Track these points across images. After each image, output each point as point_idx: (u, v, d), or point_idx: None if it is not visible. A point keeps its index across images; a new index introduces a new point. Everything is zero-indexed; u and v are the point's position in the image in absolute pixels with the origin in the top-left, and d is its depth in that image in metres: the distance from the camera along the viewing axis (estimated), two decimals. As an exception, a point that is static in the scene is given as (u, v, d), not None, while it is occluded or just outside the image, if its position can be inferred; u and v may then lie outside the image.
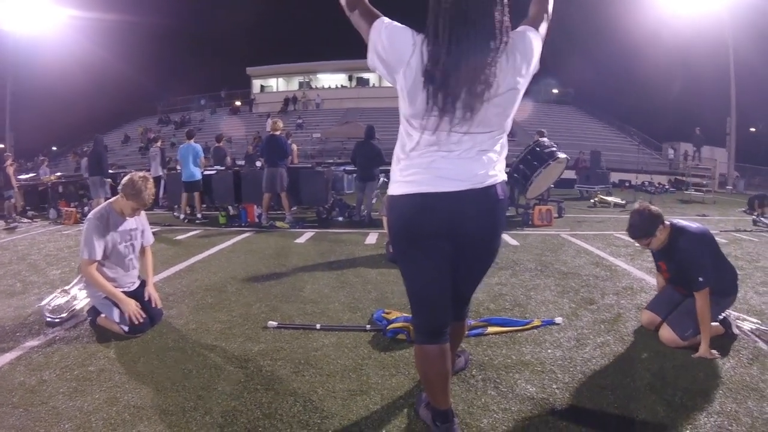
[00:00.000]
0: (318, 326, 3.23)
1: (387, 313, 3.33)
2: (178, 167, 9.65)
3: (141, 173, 3.40)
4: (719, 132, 28.31)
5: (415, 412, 2.18)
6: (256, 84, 41.78)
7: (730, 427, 2.16)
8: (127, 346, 3.00)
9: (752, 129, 40.69)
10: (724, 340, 3.15)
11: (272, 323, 3.28)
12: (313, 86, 40.64)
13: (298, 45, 54.02)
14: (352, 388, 2.44)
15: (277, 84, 42.20)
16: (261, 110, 36.26)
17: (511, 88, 1.61)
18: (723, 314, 3.27)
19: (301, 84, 41.25)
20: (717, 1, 25.25)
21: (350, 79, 40.15)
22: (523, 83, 1.65)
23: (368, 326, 3.23)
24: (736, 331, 3.27)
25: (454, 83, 1.53)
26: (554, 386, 2.50)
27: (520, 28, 1.70)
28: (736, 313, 3.46)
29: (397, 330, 3.03)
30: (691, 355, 2.90)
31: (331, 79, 41.16)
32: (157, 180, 10.72)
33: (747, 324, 3.40)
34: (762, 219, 10.35)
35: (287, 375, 2.59)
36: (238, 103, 39.68)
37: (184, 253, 5.81)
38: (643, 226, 3.06)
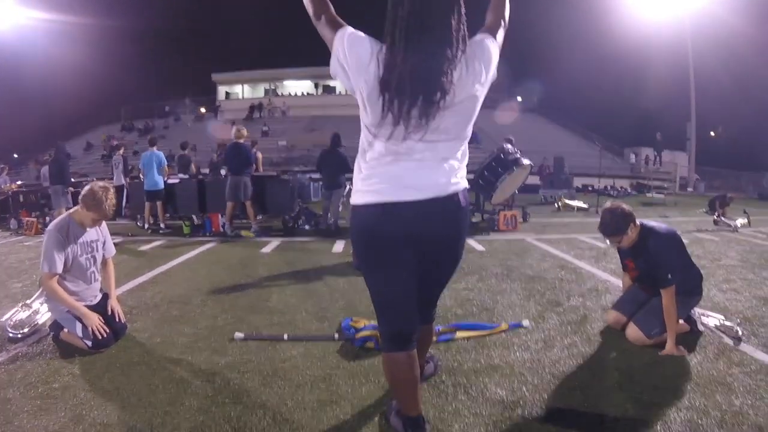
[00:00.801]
0: (285, 337, 3.18)
1: (355, 322, 3.30)
2: (142, 176, 9.41)
3: (101, 183, 3.29)
4: (680, 137, 29.45)
5: (386, 421, 2.16)
6: (222, 91, 41.14)
7: (699, 421, 2.22)
8: (91, 362, 2.90)
9: (712, 133, 42.48)
10: (690, 337, 3.26)
11: (239, 335, 3.22)
12: (279, 93, 40.29)
13: (264, 52, 53.39)
14: (321, 399, 2.41)
15: (243, 91, 41.61)
16: (226, 117, 35.60)
17: (469, 95, 1.63)
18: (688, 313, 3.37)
19: (266, 91, 40.78)
20: (678, 9, 26.27)
21: (316, 86, 39.88)
22: (482, 91, 1.67)
23: (336, 335, 3.20)
24: (701, 327, 3.37)
25: (409, 90, 1.53)
26: (524, 389, 2.52)
27: (477, 36, 1.72)
28: (700, 310, 3.57)
29: (365, 338, 3.02)
30: (658, 353, 2.97)
31: (297, 87, 40.82)
32: (119, 189, 10.45)
33: (711, 320, 3.51)
34: (723, 219, 10.77)
35: (256, 387, 2.54)
36: (203, 110, 38.99)
37: (147, 264, 5.67)
38: (615, 224, 3.12)
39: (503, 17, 1.85)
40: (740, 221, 10.91)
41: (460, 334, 3.20)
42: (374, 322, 3.13)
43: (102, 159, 27.73)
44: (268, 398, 2.42)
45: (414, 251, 1.74)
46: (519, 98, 39.75)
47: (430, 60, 1.54)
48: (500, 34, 1.79)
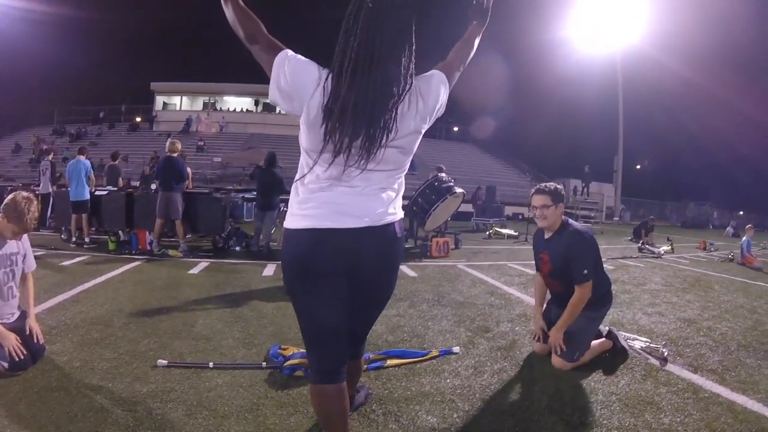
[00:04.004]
0: (211, 364, 3.03)
1: (283, 349, 3.21)
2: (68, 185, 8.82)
3: (25, 193, 3.05)
4: (607, 169, 31.48)
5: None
6: (159, 100, 39.74)
7: None
8: (6, 386, 2.65)
9: (638, 166, 45.90)
10: (618, 360, 3.41)
11: (162, 362, 3.03)
12: (218, 108, 39.46)
13: (206, 64, 52.40)
14: (248, 431, 2.30)
15: (181, 102, 40.36)
16: (162, 128, 34.46)
17: (412, 131, 1.63)
18: (607, 327, 3.52)
19: (205, 104, 39.80)
20: (609, 47, 28.16)
21: (256, 103, 39.33)
22: (425, 126, 1.68)
23: (264, 363, 3.08)
24: (624, 343, 3.52)
25: (351, 123, 1.50)
26: (455, 415, 2.52)
27: (429, 72, 1.72)
28: (626, 333, 3.74)
29: (294, 367, 2.92)
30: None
31: (236, 102, 40.13)
32: (45, 197, 9.83)
33: (638, 343, 3.71)
34: (647, 246, 11.51)
35: (179, 418, 2.39)
36: (138, 119, 37.50)
37: (69, 281, 5.31)
38: (555, 189, 3.29)
39: (465, 61, 1.87)
40: (664, 248, 11.75)
41: (390, 361, 3.17)
42: (303, 350, 3.05)
43: (30, 163, 26.07)
44: (192, 430, 2.29)
45: (346, 282, 1.69)
46: (456, 128, 41.08)
47: (377, 95, 1.51)
48: (455, 75, 1.81)
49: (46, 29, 35.31)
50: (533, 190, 3.39)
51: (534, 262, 3.67)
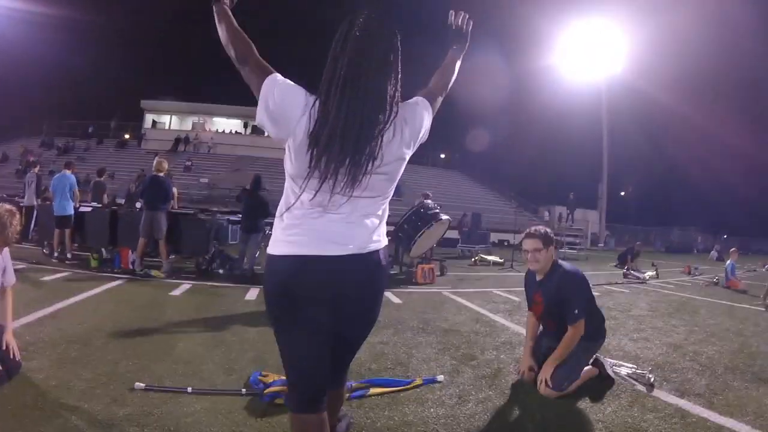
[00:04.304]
0: (189, 389, 2.95)
1: (264, 376, 3.14)
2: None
3: (8, 206, 3.01)
4: (591, 196, 31.96)
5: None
6: (149, 118, 39.70)
7: None
8: None
9: (622, 193, 46.85)
10: (604, 386, 3.40)
11: (140, 385, 2.96)
12: (207, 128, 39.47)
13: (196, 84, 52.53)
14: (225, 459, 2.22)
15: (170, 121, 40.36)
16: (150, 147, 34.30)
17: (397, 158, 1.63)
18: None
19: (194, 124, 39.79)
20: (594, 76, 28.81)
21: (246, 125, 39.39)
22: (409, 153, 1.68)
23: (244, 390, 3.01)
24: (609, 371, 3.53)
25: (338, 149, 1.50)
26: (438, 446, 2.46)
27: (412, 99, 1.74)
28: (612, 360, 3.73)
29: (274, 394, 2.86)
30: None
31: (226, 124, 40.23)
32: (29, 210, 9.75)
33: (624, 369, 3.71)
34: (632, 272, 11.61)
35: (155, 444, 2.32)
36: (127, 136, 37.42)
37: (49, 296, 5.22)
38: (545, 233, 3.39)
39: (446, 86, 1.89)
40: (649, 273, 11.87)
41: (373, 390, 3.11)
42: (284, 377, 2.99)
43: (16, 174, 25.69)
44: (166, 457, 2.21)
45: (329, 310, 1.65)
46: (443, 155, 41.56)
47: (363, 122, 1.51)
48: (438, 100, 1.83)
49: (41, 39, 35.54)
50: (524, 234, 3.51)
51: (526, 301, 3.77)
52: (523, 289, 3.83)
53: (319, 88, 1.54)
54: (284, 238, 1.63)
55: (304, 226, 1.61)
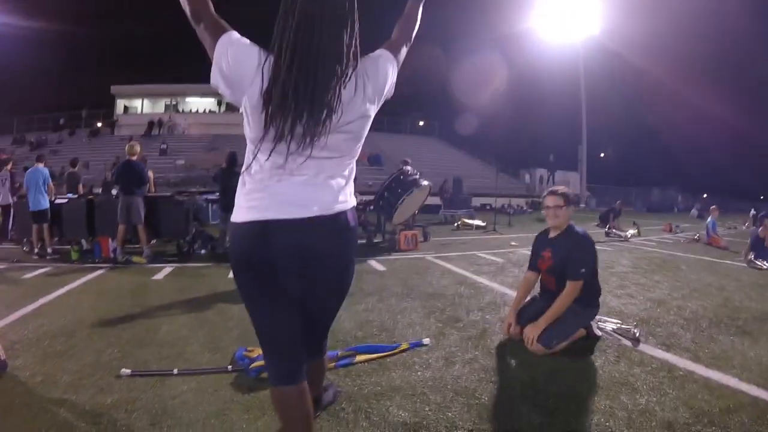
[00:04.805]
0: (175, 371, 2.93)
1: (249, 351, 3.12)
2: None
3: None
4: (572, 158, 32.25)
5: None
6: (120, 104, 38.77)
7: (607, 423, 2.31)
8: None
9: (602, 154, 47.47)
10: (589, 342, 3.45)
11: (125, 371, 2.93)
12: (181, 110, 38.72)
13: (166, 66, 51.02)
14: (214, 437, 2.22)
15: (142, 105, 39.44)
16: (124, 133, 33.59)
17: (360, 115, 1.57)
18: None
19: (167, 107, 38.97)
20: (570, 39, 28.72)
21: (219, 104, 38.52)
22: (374, 109, 1.62)
23: (230, 367, 3.00)
24: (597, 332, 3.58)
25: (292, 105, 1.43)
26: (426, 408, 2.49)
27: (375, 52, 1.67)
28: (597, 316, 3.80)
29: (260, 368, 2.84)
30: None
31: (199, 104, 39.37)
32: (6, 209, 9.54)
33: (609, 325, 3.78)
34: (613, 231, 11.80)
35: (144, 427, 2.31)
36: (99, 124, 36.54)
37: (31, 293, 5.13)
38: (567, 194, 3.56)
39: (410, 35, 1.81)
40: (630, 231, 12.08)
41: (359, 357, 3.12)
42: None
43: None
44: (155, 440, 2.20)
45: (297, 277, 1.61)
46: (421, 123, 41.34)
47: (318, 75, 1.44)
48: (402, 52, 1.75)
49: (5, 35, 33.95)
50: (546, 192, 3.66)
51: (529, 259, 3.84)
52: (530, 247, 3.90)
53: (271, 43, 1.47)
54: (245, 204, 1.58)
55: (264, 190, 1.55)
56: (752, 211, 19.27)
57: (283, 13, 1.46)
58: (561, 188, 3.65)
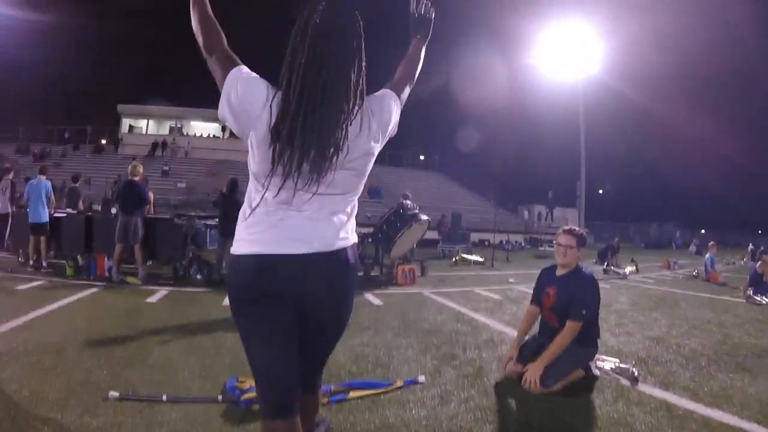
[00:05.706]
0: (164, 397, 2.87)
1: (241, 382, 3.06)
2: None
3: None
4: (570, 194, 32.45)
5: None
6: (126, 123, 39.10)
7: None
8: None
9: (600, 191, 47.96)
10: (588, 381, 3.40)
11: (114, 394, 2.87)
12: (185, 133, 39.06)
13: (173, 88, 51.88)
14: (199, 469, 2.16)
15: (147, 126, 39.81)
16: (127, 152, 33.74)
17: (365, 153, 1.58)
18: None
19: (172, 129, 39.33)
20: (571, 76, 29.25)
21: (223, 129, 38.85)
22: (378, 148, 1.63)
23: (220, 397, 2.94)
24: (596, 372, 3.55)
25: (300, 142, 1.43)
26: (420, 449, 2.42)
27: (379, 92, 1.69)
28: (596, 355, 3.75)
29: (251, 400, 2.78)
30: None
31: (203, 128, 39.83)
32: (4, 217, 9.45)
33: (607, 364, 3.73)
34: (612, 268, 11.76)
35: (128, 455, 2.24)
36: (103, 141, 36.65)
37: (23, 306, 5.11)
38: (582, 236, 3.61)
39: (413, 76, 1.84)
40: (629, 269, 12.04)
41: (353, 393, 3.06)
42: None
43: None
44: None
45: (295, 312, 1.60)
46: (422, 157, 41.79)
47: (325, 113, 1.45)
48: (405, 91, 1.78)
49: (16, 44, 34.57)
50: (561, 230, 3.70)
51: (533, 292, 3.86)
52: (533, 285, 3.91)
53: (280, 78, 1.48)
54: (247, 237, 1.57)
55: (266, 224, 1.54)
56: (750, 246, 19.29)
57: (291, 50, 1.48)
58: (577, 230, 3.71)
